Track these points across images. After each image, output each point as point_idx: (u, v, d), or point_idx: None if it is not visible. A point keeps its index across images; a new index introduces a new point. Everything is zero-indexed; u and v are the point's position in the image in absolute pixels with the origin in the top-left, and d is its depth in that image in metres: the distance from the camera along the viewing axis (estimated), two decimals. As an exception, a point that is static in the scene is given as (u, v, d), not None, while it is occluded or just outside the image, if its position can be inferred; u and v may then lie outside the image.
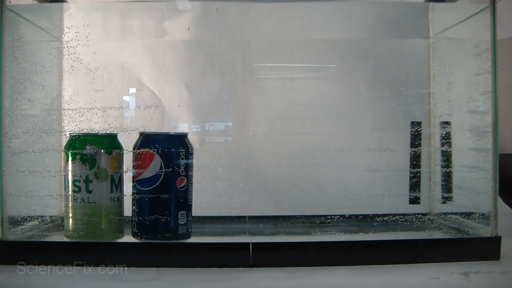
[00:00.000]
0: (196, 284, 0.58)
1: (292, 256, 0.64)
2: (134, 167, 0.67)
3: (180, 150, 0.66)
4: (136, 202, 0.67)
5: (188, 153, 0.67)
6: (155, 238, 0.66)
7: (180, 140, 0.67)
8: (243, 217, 0.80)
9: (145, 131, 0.68)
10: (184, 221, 0.67)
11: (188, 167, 0.67)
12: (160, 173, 0.66)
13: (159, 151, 0.66)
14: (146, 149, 0.66)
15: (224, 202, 0.79)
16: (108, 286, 0.58)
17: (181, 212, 0.67)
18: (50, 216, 0.74)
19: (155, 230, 0.66)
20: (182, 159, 0.66)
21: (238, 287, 0.58)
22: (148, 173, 0.66)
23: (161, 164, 0.66)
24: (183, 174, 0.66)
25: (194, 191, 0.69)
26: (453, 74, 0.79)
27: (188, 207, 0.68)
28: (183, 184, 0.67)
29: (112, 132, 0.69)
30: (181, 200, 0.67)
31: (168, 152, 0.66)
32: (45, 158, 0.73)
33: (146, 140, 0.67)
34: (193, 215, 0.69)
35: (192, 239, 0.69)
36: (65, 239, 0.67)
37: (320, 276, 0.60)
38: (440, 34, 0.82)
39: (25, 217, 0.70)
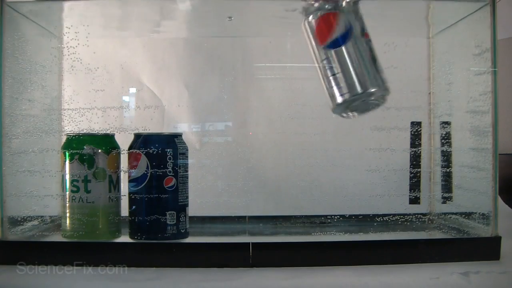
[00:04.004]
0: (196, 284, 0.58)
1: (292, 256, 0.64)
2: (127, 167, 0.68)
3: (167, 150, 0.66)
4: (129, 202, 0.67)
5: (177, 153, 0.67)
6: (144, 238, 0.66)
7: (168, 140, 0.67)
8: (243, 217, 0.80)
9: (137, 131, 0.69)
10: (173, 221, 0.67)
11: (179, 167, 0.67)
12: (147, 173, 0.66)
13: (146, 152, 0.66)
14: (135, 150, 0.67)
15: (224, 202, 0.79)
16: (108, 286, 0.58)
17: (170, 212, 0.66)
18: (50, 216, 0.74)
19: (144, 230, 0.66)
20: (170, 159, 0.66)
21: (238, 287, 0.58)
22: (136, 173, 0.67)
23: (147, 164, 0.66)
24: (171, 174, 0.67)
25: (194, 191, 0.69)
26: (453, 74, 0.79)
27: (179, 207, 0.67)
28: (171, 184, 0.67)
29: (109, 132, 0.69)
30: (170, 200, 0.67)
31: (154, 152, 0.66)
32: (45, 158, 0.73)
33: (135, 140, 0.68)
34: (193, 215, 0.69)
35: (192, 239, 0.69)
36: (63, 239, 0.67)
37: (320, 276, 0.60)
38: (439, 33, 0.82)
39: (25, 217, 0.70)
